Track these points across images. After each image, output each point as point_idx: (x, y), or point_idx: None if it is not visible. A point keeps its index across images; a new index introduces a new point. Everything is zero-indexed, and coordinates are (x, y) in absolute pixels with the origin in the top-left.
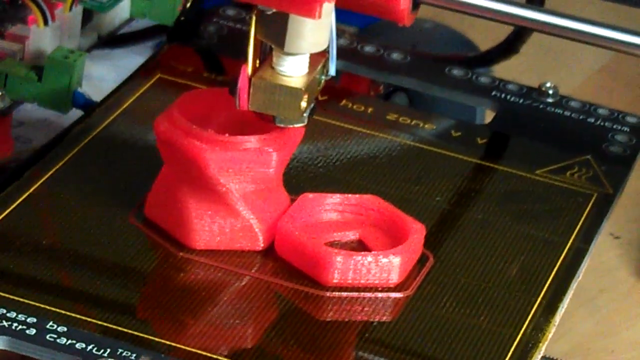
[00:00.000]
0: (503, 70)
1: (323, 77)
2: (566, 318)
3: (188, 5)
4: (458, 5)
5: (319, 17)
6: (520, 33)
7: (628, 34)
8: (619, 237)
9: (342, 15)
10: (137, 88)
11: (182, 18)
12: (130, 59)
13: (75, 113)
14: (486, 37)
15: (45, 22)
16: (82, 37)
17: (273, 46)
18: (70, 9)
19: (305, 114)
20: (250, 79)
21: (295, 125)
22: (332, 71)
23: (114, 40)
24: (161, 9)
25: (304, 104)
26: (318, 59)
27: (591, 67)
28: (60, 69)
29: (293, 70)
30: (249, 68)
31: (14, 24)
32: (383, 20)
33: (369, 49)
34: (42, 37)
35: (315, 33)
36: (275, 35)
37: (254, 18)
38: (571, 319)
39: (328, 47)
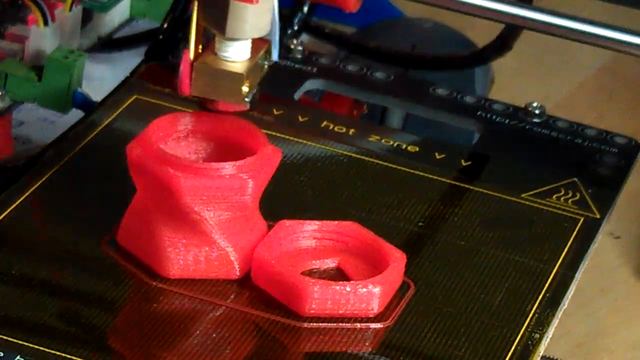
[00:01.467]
0: (503, 70)
1: (266, 63)
2: (566, 318)
3: (165, 24)
4: (456, 5)
5: (257, 1)
6: (513, 29)
7: (628, 34)
8: (619, 237)
9: (342, 15)
10: (112, 110)
11: (161, 37)
12: (130, 60)
13: (75, 113)
14: (486, 37)
15: (45, 22)
16: (82, 37)
17: (215, 31)
18: (70, 9)
19: (247, 99)
20: (192, 64)
21: (238, 110)
22: (275, 56)
23: (113, 43)
24: (161, 9)
25: (245, 89)
26: (261, 44)
27: (591, 67)
28: (60, 69)
29: (235, 55)
30: (191, 53)
31: (14, 24)
32: (382, 21)
33: (351, 68)
34: (42, 37)
35: (255, 18)
36: (217, 21)
37: (195, 3)
38: (571, 319)
39: (271, 32)
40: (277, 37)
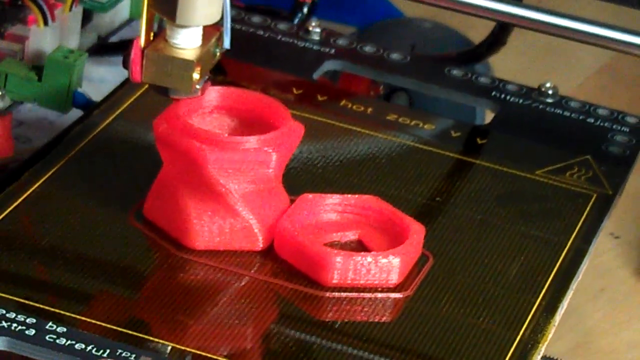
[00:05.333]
0: (503, 70)
1: (218, 50)
2: (566, 318)
3: None
4: (456, 5)
5: None
6: (505, 25)
7: (628, 34)
8: (619, 237)
9: (342, 15)
10: (137, 88)
11: None
12: None
13: (75, 113)
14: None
15: (45, 22)
16: (82, 37)
17: (165, 18)
18: (70, 9)
19: (198, 86)
20: (143, 51)
21: (189, 97)
22: (227, 44)
23: (110, 47)
24: None
25: (196, 76)
26: (212, 31)
27: (591, 67)
28: (60, 69)
29: (186, 42)
30: (142, 40)
31: (14, 24)
32: (382, 21)
33: (368, 48)
34: (42, 37)
35: (206, 5)
36: (167, 8)
37: None
38: (571, 318)
39: (222, 20)
40: (228, 25)
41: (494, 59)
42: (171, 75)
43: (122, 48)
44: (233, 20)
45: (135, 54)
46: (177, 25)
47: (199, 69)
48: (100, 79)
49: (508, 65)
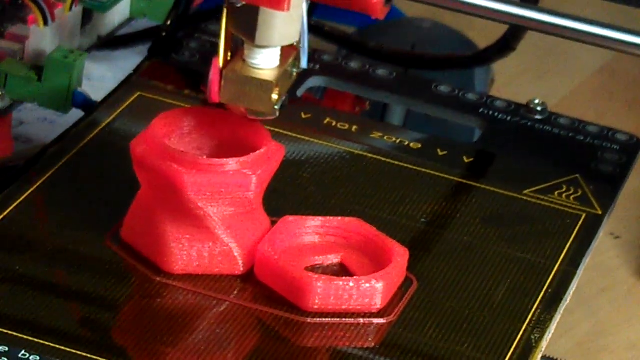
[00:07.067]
0: (503, 70)
1: (295, 70)
2: (566, 318)
3: (169, 21)
4: (456, 5)
5: (288, 9)
6: (516, 30)
7: (628, 34)
8: (619, 237)
9: (342, 15)
10: (115, 107)
11: (164, 34)
12: (130, 59)
13: (76, 113)
14: (485, 37)
15: (45, 22)
16: (82, 37)
17: (244, 39)
18: (70, 9)
19: (276, 107)
20: (221, 71)
21: (267, 118)
22: (304, 64)
23: (113, 42)
24: (161, 9)
25: (275, 97)
26: (290, 51)
27: (591, 67)
28: (60, 69)
29: (264, 62)
30: (220, 60)
31: (14, 24)
32: (383, 21)
33: (354, 65)
34: (42, 37)
35: (285, 26)
36: (246, 28)
37: (225, 11)
38: (571, 318)
39: (300, 39)
40: (306, 45)
41: None
42: (250, 96)
43: (127, 42)
44: (215, 35)
45: (214, 74)
46: (256, 46)
47: (277, 89)
48: (100, 78)
49: (508, 65)
